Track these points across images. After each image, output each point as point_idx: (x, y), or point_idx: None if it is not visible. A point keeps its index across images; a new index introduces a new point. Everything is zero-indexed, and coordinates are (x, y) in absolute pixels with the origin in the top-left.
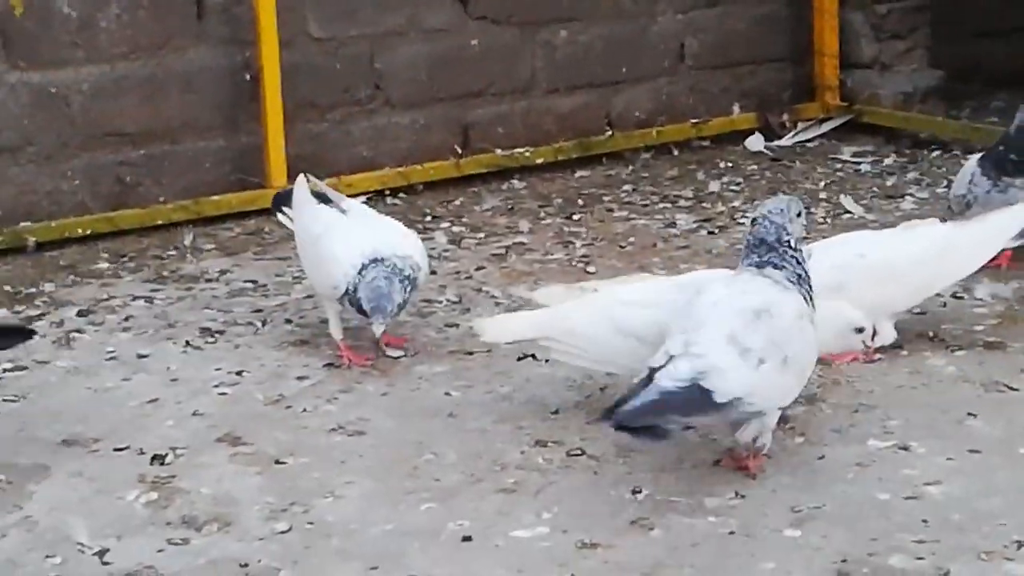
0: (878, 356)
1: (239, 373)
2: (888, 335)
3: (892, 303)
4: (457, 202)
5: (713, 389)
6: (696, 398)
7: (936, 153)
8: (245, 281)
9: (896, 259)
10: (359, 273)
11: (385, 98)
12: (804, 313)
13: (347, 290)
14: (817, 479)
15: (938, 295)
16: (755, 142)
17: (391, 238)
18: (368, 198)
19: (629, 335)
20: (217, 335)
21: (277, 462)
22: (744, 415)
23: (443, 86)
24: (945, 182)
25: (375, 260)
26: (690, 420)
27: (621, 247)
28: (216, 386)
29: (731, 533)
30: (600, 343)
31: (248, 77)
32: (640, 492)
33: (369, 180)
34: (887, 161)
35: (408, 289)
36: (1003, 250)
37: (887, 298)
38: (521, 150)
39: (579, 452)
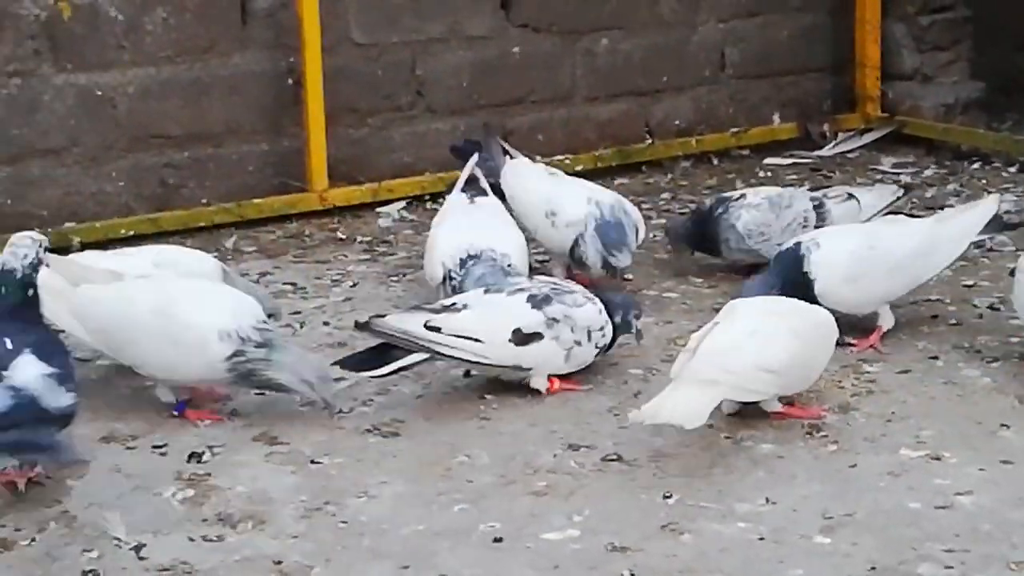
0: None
1: None
2: (889, 320)
3: (894, 292)
4: None
5: None
6: None
7: (976, 165)
8: (284, 283)
9: (899, 251)
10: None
11: (426, 104)
12: None
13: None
14: (849, 487)
15: (974, 306)
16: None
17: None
18: (408, 203)
19: None
20: None
21: (312, 462)
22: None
23: (483, 93)
24: (985, 195)
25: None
26: None
27: (658, 256)
28: None
29: (760, 539)
30: None
31: (291, 82)
32: (671, 497)
33: (409, 185)
34: (927, 172)
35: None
36: None
37: (891, 287)
38: (561, 157)
39: (612, 457)
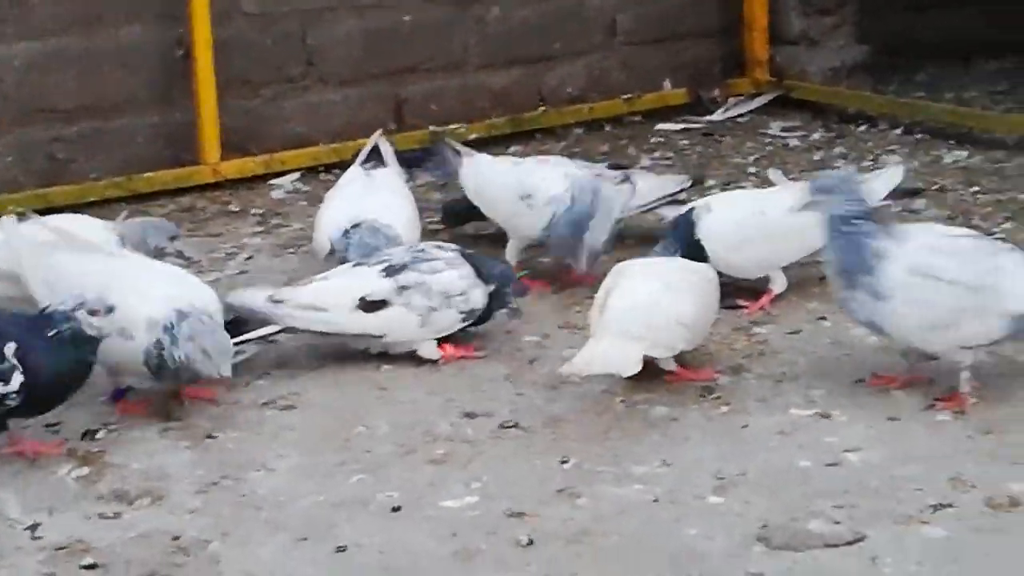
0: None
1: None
2: (781, 283)
3: (784, 258)
4: None
5: None
6: None
7: (863, 128)
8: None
9: (790, 218)
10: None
11: (318, 74)
12: None
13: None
14: (740, 447)
15: None
16: None
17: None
18: (301, 174)
19: None
20: None
21: (208, 436)
22: None
23: (376, 62)
24: (871, 156)
25: None
26: None
27: None
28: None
29: (655, 500)
30: None
31: (181, 53)
32: (568, 462)
33: (302, 156)
34: (815, 136)
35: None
36: None
37: (780, 253)
38: (455, 126)
39: (509, 423)
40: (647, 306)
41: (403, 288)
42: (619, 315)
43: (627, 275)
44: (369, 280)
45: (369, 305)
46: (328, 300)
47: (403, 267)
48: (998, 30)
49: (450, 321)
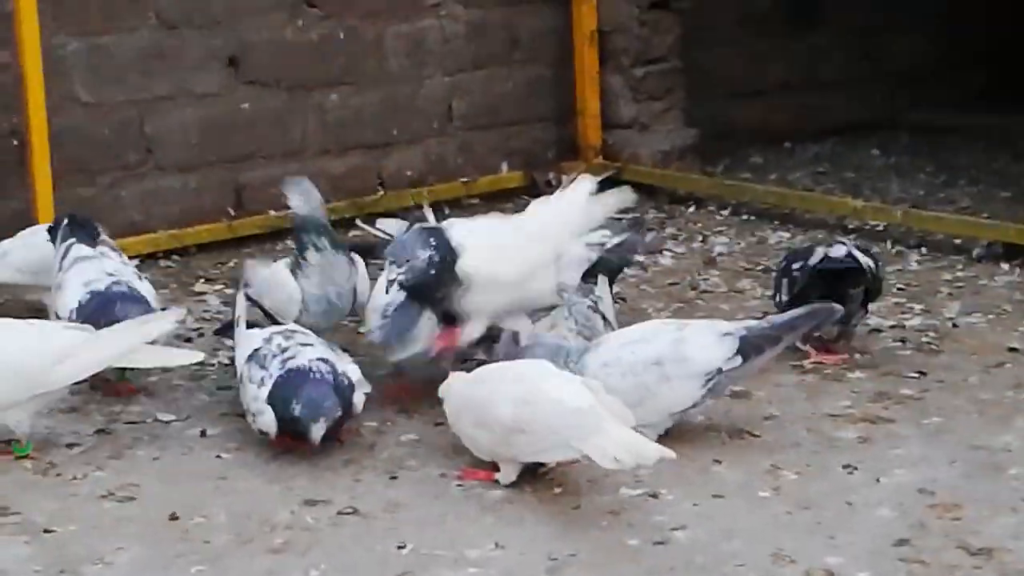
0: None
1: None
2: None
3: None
4: (231, 263)
5: None
6: None
7: (692, 208)
8: None
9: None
10: None
11: (156, 162)
12: None
13: None
14: (573, 527)
15: None
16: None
17: None
18: (141, 261)
19: None
20: None
21: (46, 531)
22: None
23: (214, 149)
24: (700, 237)
25: None
26: None
27: None
28: None
29: None
30: None
31: (15, 142)
32: (405, 547)
33: (142, 243)
34: (647, 216)
35: None
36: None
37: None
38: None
39: (348, 510)
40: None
41: None
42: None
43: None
44: None
45: None
46: None
47: None
48: (817, 115)
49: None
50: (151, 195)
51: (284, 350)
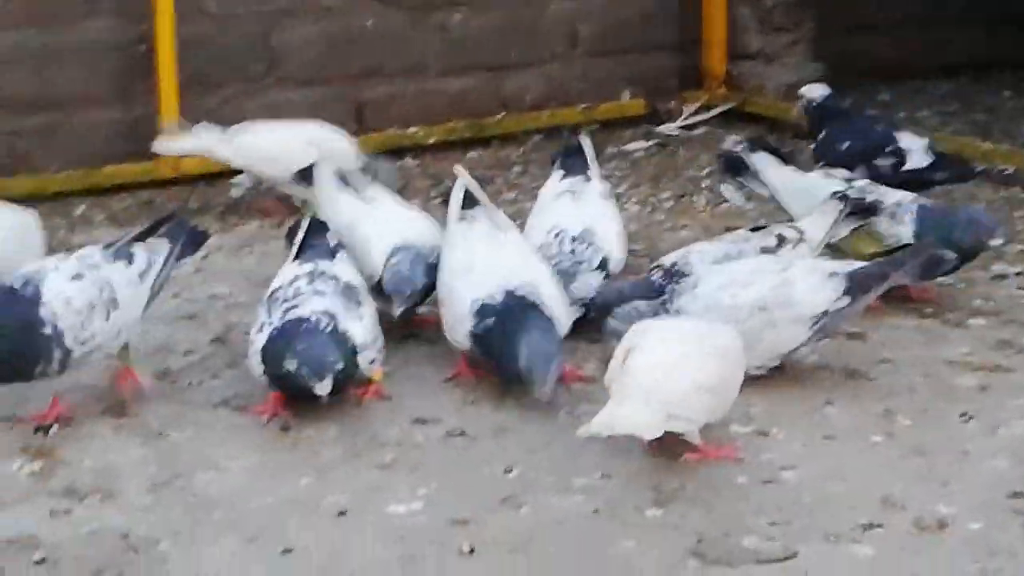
0: None
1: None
2: None
3: None
4: None
5: None
6: None
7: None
8: None
9: None
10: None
11: (279, 75)
12: None
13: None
14: (680, 462)
15: None
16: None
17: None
18: None
19: None
20: None
21: (161, 435)
22: None
23: (337, 65)
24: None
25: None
26: None
27: None
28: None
29: (595, 512)
30: None
31: (143, 50)
32: (512, 471)
33: None
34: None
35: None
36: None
37: None
38: (414, 129)
39: (456, 431)
40: (668, 370)
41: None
42: (640, 378)
43: (649, 335)
44: None
45: None
46: None
47: None
48: (949, 51)
49: None
50: (273, 108)
51: (298, 295)
